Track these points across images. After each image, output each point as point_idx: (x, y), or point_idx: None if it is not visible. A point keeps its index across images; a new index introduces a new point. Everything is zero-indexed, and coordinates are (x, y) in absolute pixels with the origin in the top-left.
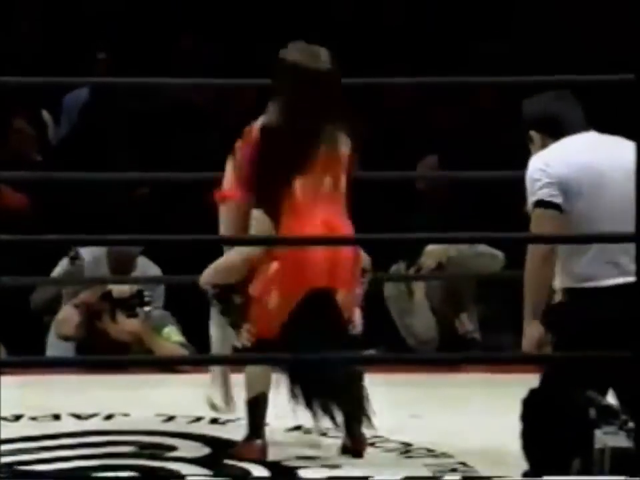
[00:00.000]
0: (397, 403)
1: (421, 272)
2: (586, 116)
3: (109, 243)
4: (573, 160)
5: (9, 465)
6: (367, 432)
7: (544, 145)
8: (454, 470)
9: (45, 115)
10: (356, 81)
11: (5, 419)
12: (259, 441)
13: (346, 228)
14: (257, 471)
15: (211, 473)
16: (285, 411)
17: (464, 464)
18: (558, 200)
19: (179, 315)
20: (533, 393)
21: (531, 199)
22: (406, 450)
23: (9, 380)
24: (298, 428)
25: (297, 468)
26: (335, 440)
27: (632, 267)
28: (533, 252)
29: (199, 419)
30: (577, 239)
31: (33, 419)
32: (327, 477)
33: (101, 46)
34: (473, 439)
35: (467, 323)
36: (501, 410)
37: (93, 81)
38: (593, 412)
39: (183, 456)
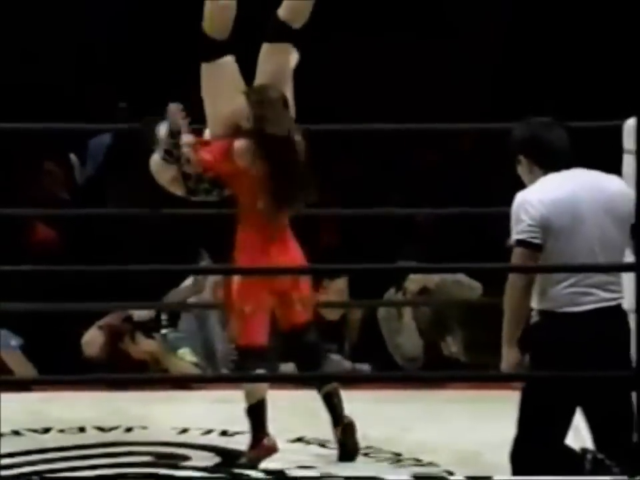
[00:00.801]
0: (388, 418)
1: (405, 296)
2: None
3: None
4: (554, 200)
5: (42, 473)
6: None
7: (531, 170)
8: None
9: (72, 157)
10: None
11: (35, 431)
12: (266, 438)
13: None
14: None
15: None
16: (283, 426)
17: (449, 472)
18: (538, 240)
19: None
20: (518, 444)
21: (514, 236)
22: (397, 460)
23: (38, 395)
24: (299, 439)
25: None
26: (334, 451)
27: (604, 295)
28: (514, 283)
29: (210, 432)
30: (577, 269)
31: (61, 431)
32: (344, 476)
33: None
34: (457, 450)
35: (451, 345)
36: (483, 423)
37: (114, 127)
38: (588, 465)
39: (195, 465)
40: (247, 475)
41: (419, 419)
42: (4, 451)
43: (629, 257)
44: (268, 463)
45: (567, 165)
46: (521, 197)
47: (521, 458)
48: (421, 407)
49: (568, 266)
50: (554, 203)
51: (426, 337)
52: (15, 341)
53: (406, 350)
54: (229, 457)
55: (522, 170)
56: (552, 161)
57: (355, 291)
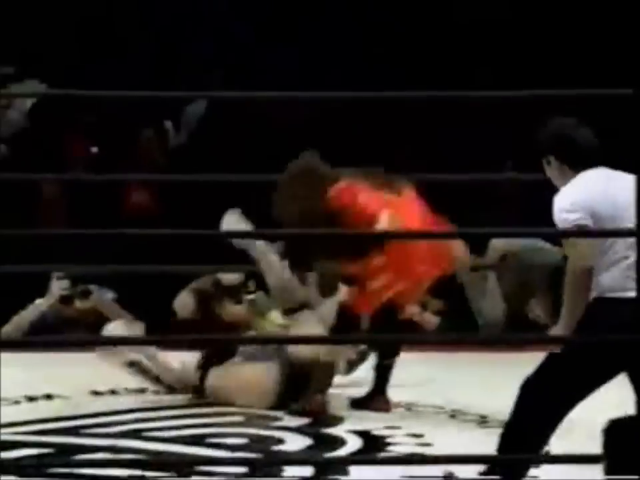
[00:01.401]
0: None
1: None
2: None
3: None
4: (592, 191)
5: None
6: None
7: (561, 170)
8: None
9: (168, 124)
10: None
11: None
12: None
13: None
14: (352, 439)
15: (312, 441)
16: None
17: None
18: (588, 222)
19: None
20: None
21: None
22: (482, 421)
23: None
24: None
25: (385, 437)
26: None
27: None
28: (574, 267)
29: None
30: (586, 234)
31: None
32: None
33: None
34: None
35: (535, 309)
36: None
37: (208, 94)
38: None
39: (286, 425)
40: (336, 436)
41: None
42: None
43: None
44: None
45: (597, 163)
46: (560, 199)
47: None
48: (502, 369)
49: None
50: (594, 195)
51: (510, 302)
52: (110, 294)
53: (487, 313)
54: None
55: (551, 171)
56: (583, 160)
57: None
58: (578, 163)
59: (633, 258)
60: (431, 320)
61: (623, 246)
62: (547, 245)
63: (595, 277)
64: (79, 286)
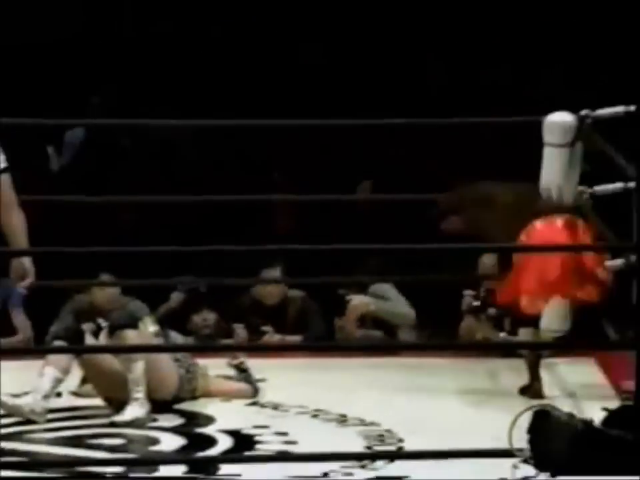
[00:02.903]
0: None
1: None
2: None
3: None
4: None
5: None
6: None
7: None
8: None
9: (49, 149)
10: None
11: None
12: None
13: None
14: (222, 439)
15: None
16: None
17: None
18: None
19: None
20: None
21: None
22: (342, 420)
23: None
24: (254, 404)
25: (254, 436)
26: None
27: None
28: None
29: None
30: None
31: None
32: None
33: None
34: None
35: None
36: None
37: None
38: None
39: (161, 425)
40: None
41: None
42: None
43: None
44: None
45: None
46: None
47: None
48: (359, 373)
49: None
50: None
51: None
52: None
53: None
54: (191, 419)
55: None
56: None
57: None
58: None
59: None
60: None
61: None
62: (401, 306)
63: None
64: None
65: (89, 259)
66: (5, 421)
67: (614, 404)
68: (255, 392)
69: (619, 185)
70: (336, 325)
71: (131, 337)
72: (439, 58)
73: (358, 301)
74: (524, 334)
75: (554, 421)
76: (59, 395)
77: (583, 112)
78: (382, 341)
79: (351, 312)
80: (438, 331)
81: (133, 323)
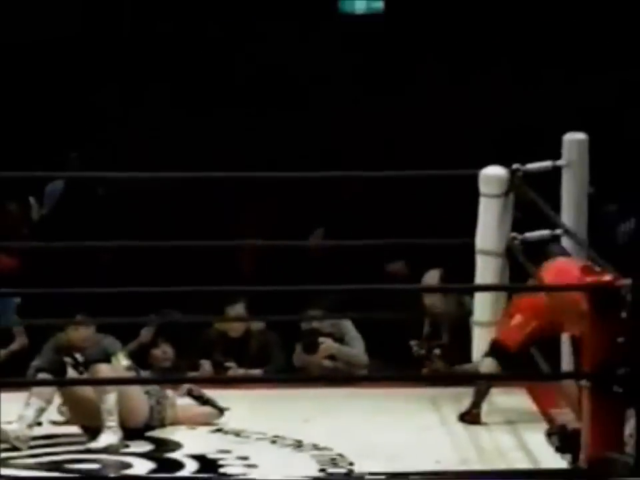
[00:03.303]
0: None
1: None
2: None
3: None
4: None
5: None
6: None
7: None
8: None
9: (31, 200)
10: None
11: None
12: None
13: None
14: (189, 463)
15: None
16: None
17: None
18: None
19: None
20: None
21: None
22: (298, 445)
23: None
24: (218, 430)
25: (218, 460)
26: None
27: None
28: None
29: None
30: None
31: None
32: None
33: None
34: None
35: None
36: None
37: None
38: None
39: (134, 451)
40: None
41: (313, 413)
42: None
43: None
44: (191, 449)
45: None
46: None
47: None
48: (316, 402)
49: None
50: None
51: None
52: None
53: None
54: (160, 445)
55: None
56: None
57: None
58: None
59: None
60: None
61: None
62: (359, 354)
63: None
64: None
65: (66, 301)
66: None
67: (542, 429)
68: (221, 412)
69: (546, 232)
70: (308, 360)
71: (104, 370)
72: None
73: (327, 345)
74: (486, 364)
75: None
76: (39, 424)
77: (515, 165)
78: (337, 373)
79: (322, 351)
80: (387, 363)
81: (106, 358)
